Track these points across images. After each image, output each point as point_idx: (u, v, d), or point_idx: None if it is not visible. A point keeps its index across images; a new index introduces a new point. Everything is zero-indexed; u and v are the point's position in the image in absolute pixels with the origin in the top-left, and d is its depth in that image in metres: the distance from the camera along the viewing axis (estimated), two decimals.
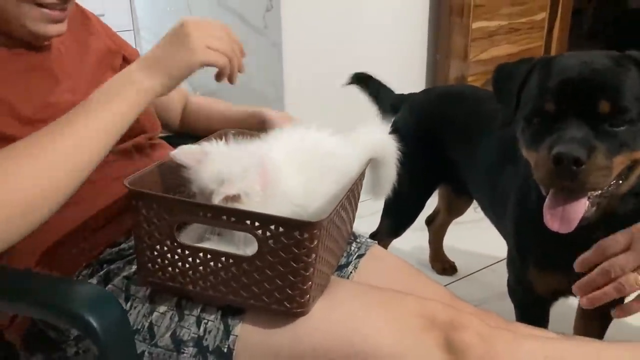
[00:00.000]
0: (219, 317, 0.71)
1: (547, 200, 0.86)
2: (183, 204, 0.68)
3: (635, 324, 1.50)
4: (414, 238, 1.76)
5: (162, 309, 0.72)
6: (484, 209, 1.34)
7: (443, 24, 2.39)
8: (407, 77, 2.49)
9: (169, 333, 0.71)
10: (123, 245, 0.83)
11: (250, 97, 2.32)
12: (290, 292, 0.67)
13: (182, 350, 0.70)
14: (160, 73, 0.74)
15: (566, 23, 2.80)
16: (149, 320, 0.72)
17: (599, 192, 0.85)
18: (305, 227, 0.63)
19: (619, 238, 0.77)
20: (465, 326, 0.69)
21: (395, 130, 1.50)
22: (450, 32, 2.39)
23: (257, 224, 0.64)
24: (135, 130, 0.93)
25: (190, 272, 0.69)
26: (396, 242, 1.61)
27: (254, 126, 1.00)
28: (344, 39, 2.23)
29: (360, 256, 0.88)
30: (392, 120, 1.53)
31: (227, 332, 0.70)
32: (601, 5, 5.03)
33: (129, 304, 0.74)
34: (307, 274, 0.66)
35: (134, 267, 0.77)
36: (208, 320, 0.71)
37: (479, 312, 0.83)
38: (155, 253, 0.70)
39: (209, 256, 0.68)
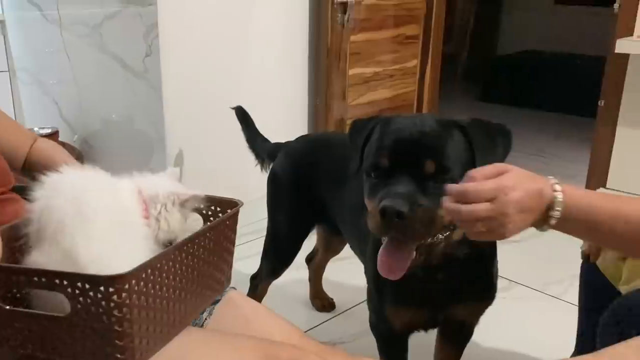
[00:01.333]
0: None
1: (380, 249, 0.95)
2: None
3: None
4: (296, 275, 1.81)
5: None
6: (352, 248, 1.42)
7: (322, 68, 2.52)
8: (291, 118, 2.58)
9: None
10: None
11: (133, 138, 2.31)
12: (108, 349, 0.66)
13: None
14: None
15: (436, 69, 3.04)
16: None
17: (427, 242, 0.94)
18: (109, 281, 0.63)
19: (488, 186, 0.80)
20: None
21: (273, 176, 1.55)
22: (330, 76, 2.52)
23: (65, 282, 0.64)
24: None
25: (12, 335, 0.69)
26: (277, 280, 1.65)
27: None
28: (224, 83, 2.28)
29: (215, 302, 0.91)
30: (271, 167, 1.59)
31: None
32: (473, 52, 5.50)
33: None
34: (121, 329, 0.65)
35: None
36: None
37: (326, 349, 0.88)
38: None
39: (29, 319, 0.68)
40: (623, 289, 1.08)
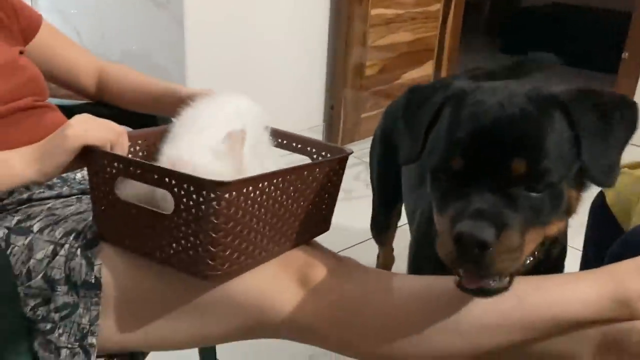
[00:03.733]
0: (78, 252, 0.77)
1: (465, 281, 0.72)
2: (120, 160, 0.74)
3: None
4: None
5: (39, 255, 0.77)
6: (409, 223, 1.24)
7: (343, 11, 2.49)
8: (308, 61, 2.57)
9: (40, 275, 0.76)
10: (6, 201, 0.86)
11: (153, 73, 2.30)
12: (201, 253, 0.70)
13: (56, 289, 0.76)
14: (36, 161, 0.76)
15: (459, 15, 2.99)
16: (26, 267, 0.77)
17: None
18: (212, 187, 0.66)
19: None
20: (317, 265, 0.79)
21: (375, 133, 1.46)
22: (350, 19, 2.49)
23: (173, 181, 0.69)
24: (19, 92, 0.94)
25: (123, 226, 0.76)
26: None
27: (168, 105, 1.01)
28: (246, 20, 2.26)
29: None
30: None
31: (90, 264, 0.76)
32: (496, 2, 5.37)
33: (8, 251, 0.78)
34: (216, 236, 0.69)
35: (16, 219, 0.83)
36: (73, 258, 0.77)
37: (336, 256, 0.91)
38: (101, 206, 0.77)
39: (137, 211, 0.74)
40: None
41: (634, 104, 0.73)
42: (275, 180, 0.75)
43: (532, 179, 0.67)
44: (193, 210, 0.68)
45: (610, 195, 1.15)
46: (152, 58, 2.29)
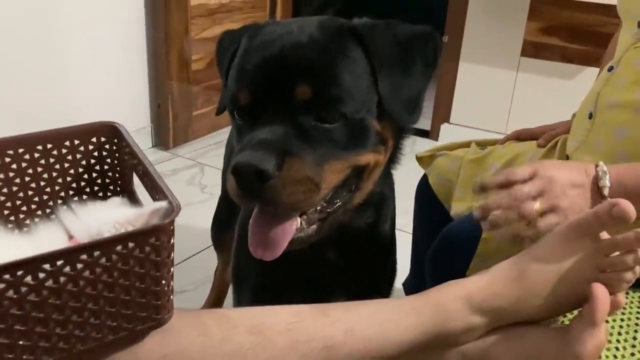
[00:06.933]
0: None
1: (251, 221, 0.67)
2: None
3: None
4: None
5: None
6: None
7: (159, 1, 2.29)
8: (126, 60, 2.34)
9: None
10: None
11: None
12: None
13: None
14: None
15: (288, 2, 2.92)
16: None
17: (318, 210, 0.67)
18: None
19: (525, 169, 0.77)
20: None
21: None
22: (168, 9, 2.30)
23: None
24: None
25: None
26: None
27: None
28: (48, 11, 1.98)
29: None
30: None
31: None
32: None
33: None
34: None
35: None
36: None
37: None
38: None
39: None
40: (454, 206, 1.11)
41: (436, 36, 0.71)
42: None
43: (320, 106, 0.63)
44: None
45: (432, 177, 1.19)
46: None
